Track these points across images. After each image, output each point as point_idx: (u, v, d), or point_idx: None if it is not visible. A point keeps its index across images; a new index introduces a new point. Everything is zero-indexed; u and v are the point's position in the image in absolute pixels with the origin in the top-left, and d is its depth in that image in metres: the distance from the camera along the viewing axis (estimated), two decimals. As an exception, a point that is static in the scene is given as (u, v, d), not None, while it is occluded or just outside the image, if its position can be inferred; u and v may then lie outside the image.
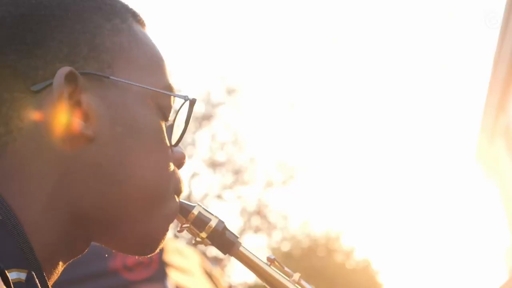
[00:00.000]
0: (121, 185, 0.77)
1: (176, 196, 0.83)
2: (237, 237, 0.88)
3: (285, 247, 17.74)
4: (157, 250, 0.83)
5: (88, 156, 0.76)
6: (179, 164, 0.84)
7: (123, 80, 0.78)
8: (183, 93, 0.84)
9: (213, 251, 15.59)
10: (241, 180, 16.35)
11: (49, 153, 0.75)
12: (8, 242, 0.71)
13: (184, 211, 0.86)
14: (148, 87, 0.80)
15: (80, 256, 0.81)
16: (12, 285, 0.67)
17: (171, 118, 0.84)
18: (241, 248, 0.88)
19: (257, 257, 0.89)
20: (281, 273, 0.89)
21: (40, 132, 0.75)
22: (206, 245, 0.87)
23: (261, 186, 16.64)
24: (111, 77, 0.77)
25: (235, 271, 16.47)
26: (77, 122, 0.75)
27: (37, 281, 0.70)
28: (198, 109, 15.24)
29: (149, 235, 0.81)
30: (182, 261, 4.90)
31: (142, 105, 0.79)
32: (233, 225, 16.25)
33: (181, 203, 0.85)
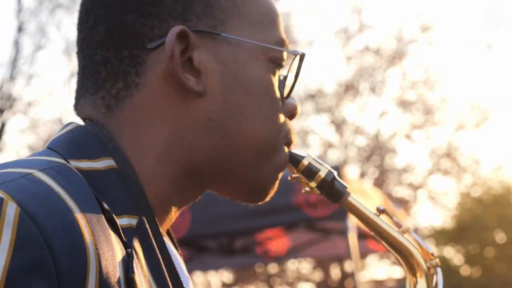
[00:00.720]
0: (231, 139, 0.80)
1: (285, 147, 0.86)
2: (346, 187, 0.89)
3: (475, 192, 16.99)
4: (268, 198, 0.86)
5: (199, 111, 0.79)
6: (291, 115, 0.86)
7: (235, 37, 0.80)
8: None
9: (399, 191, 15.45)
10: (432, 121, 15.79)
11: (162, 107, 0.79)
12: (123, 189, 0.75)
13: (295, 161, 0.87)
14: (259, 43, 0.81)
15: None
16: (121, 230, 0.72)
17: (284, 71, 0.85)
18: (350, 198, 0.89)
19: (366, 207, 0.90)
20: (389, 224, 0.89)
21: (154, 88, 0.79)
22: (315, 194, 0.88)
23: (452, 127, 15.97)
24: (223, 34, 0.80)
25: (421, 213, 16.23)
26: (188, 78, 0.78)
27: (148, 227, 0.74)
28: (389, 46, 14.86)
29: (259, 185, 0.85)
30: (364, 201, 4.93)
31: (253, 60, 0.81)
32: (421, 166, 15.87)
33: (291, 153, 0.87)
